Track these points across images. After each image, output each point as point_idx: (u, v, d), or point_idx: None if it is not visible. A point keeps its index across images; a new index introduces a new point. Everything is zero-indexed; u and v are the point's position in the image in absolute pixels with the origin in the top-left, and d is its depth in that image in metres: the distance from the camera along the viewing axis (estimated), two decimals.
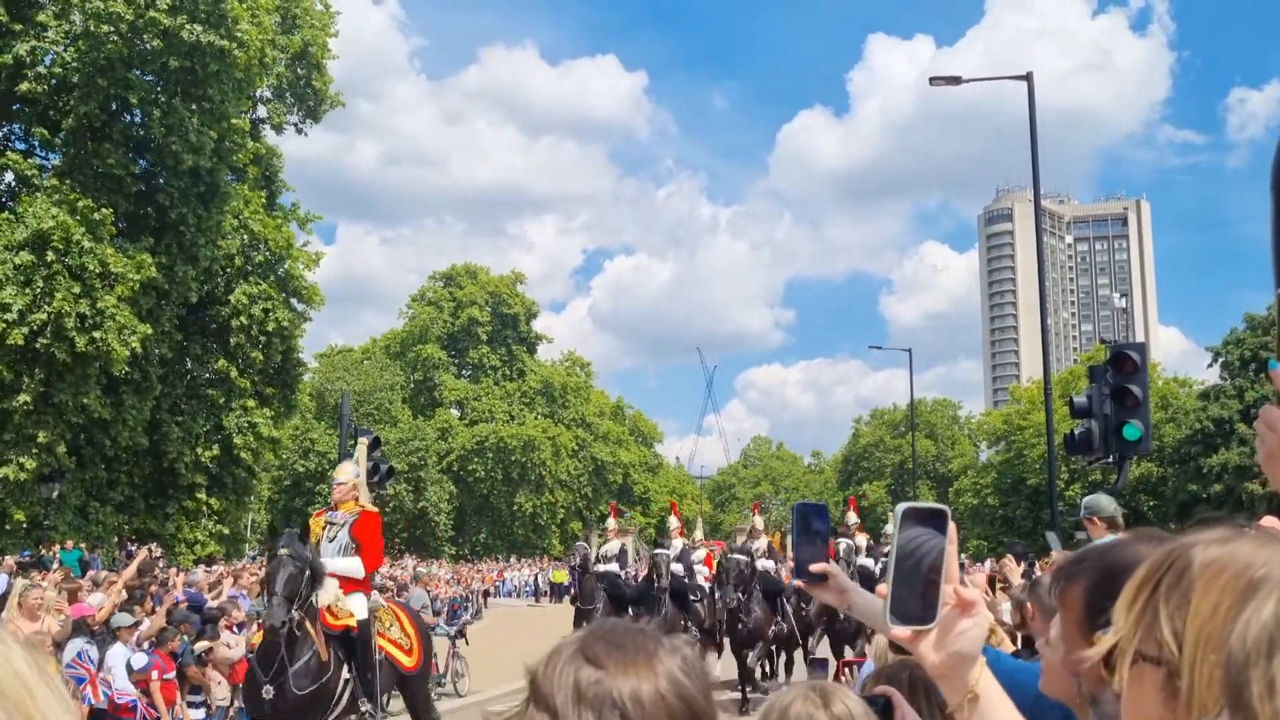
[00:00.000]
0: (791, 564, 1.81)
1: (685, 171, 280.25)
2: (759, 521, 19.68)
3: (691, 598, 16.89)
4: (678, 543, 18.11)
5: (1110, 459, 12.82)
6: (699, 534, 20.06)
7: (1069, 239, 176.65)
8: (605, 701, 1.09)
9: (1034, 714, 1.93)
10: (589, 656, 1.12)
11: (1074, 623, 1.61)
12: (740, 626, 15.86)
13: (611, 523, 19.54)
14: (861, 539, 19.18)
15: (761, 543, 18.46)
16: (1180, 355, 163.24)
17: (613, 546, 18.41)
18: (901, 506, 1.39)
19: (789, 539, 18.05)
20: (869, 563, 18.29)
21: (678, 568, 17.31)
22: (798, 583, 1.90)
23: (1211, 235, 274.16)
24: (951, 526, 1.38)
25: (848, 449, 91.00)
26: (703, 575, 18.01)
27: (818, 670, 3.51)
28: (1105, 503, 7.19)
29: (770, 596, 16.80)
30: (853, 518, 19.98)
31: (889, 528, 20.62)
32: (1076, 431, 12.82)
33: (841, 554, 17.27)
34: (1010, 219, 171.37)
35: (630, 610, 16.29)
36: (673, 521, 19.05)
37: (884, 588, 1.37)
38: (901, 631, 1.37)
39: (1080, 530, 9.77)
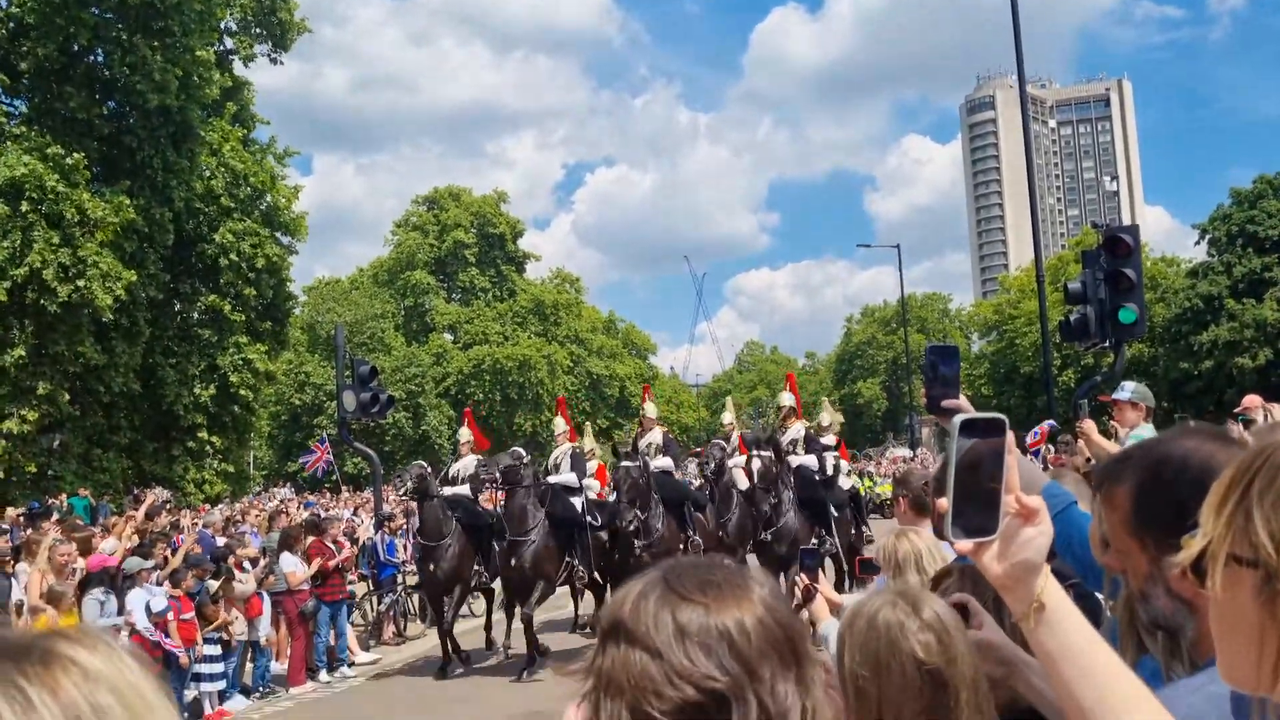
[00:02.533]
0: (925, 399, 1.91)
1: (660, 80, 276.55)
2: (650, 409, 15.47)
3: (591, 521, 13.34)
4: (564, 448, 14.35)
5: (1106, 343, 12.89)
6: (589, 441, 16.02)
7: (1052, 123, 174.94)
8: (711, 634, 1.10)
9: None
10: (682, 594, 1.14)
11: (1119, 522, 1.61)
12: (639, 552, 12.54)
13: (465, 433, 15.17)
14: (799, 426, 15.22)
15: (654, 435, 14.77)
16: (1165, 234, 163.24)
17: (466, 464, 14.55)
18: (958, 418, 1.38)
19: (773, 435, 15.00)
20: (809, 462, 14.49)
21: (568, 478, 13.71)
22: (929, 415, 1.97)
23: (1195, 111, 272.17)
24: (1010, 435, 1.37)
25: (840, 348, 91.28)
26: (594, 491, 14.23)
27: (808, 560, 3.48)
28: (1143, 391, 7.35)
29: (674, 506, 13.54)
30: (787, 398, 15.58)
31: (824, 417, 17.47)
32: (1072, 318, 12.86)
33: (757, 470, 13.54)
34: (992, 106, 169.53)
35: (496, 546, 13.35)
36: (559, 424, 14.90)
37: (944, 501, 1.36)
38: (964, 544, 1.37)
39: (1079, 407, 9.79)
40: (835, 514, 14.47)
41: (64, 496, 22.02)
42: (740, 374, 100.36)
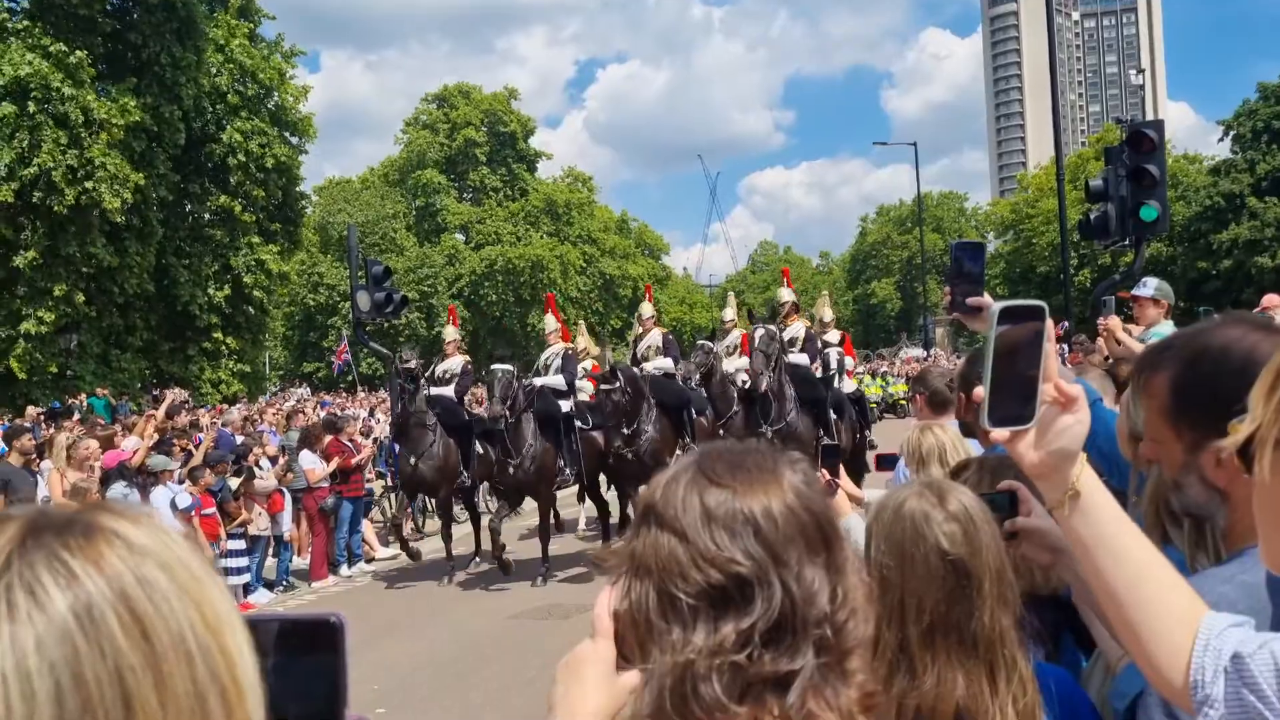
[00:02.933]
0: (948, 299, 1.90)
1: None
2: (646, 310, 14.58)
3: (581, 425, 12.82)
4: (556, 347, 13.81)
5: (1127, 241, 12.74)
6: (583, 340, 15.38)
7: (1075, 15, 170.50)
8: (737, 519, 1.11)
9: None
10: (712, 478, 1.14)
11: (1157, 411, 1.59)
12: (629, 459, 12.06)
13: (450, 332, 14.64)
14: (800, 325, 14.27)
15: (653, 337, 14.15)
16: (1188, 131, 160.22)
17: (453, 364, 14.06)
18: (996, 305, 1.35)
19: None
20: (802, 359, 13.67)
21: (555, 380, 13.15)
22: (955, 314, 1.96)
23: (1224, 3, 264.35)
24: (1049, 323, 1.34)
25: (855, 248, 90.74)
26: (587, 394, 13.64)
27: (830, 456, 3.51)
28: (1167, 288, 7.29)
29: (674, 410, 12.93)
30: (787, 294, 14.73)
31: (825, 312, 16.41)
32: (1092, 215, 12.69)
33: (758, 345, 12.70)
34: None
35: (481, 448, 13.12)
36: (549, 322, 14.30)
37: (981, 390, 1.34)
38: (1000, 433, 1.35)
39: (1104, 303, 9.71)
40: (835, 415, 13.57)
41: (84, 396, 22.27)
42: (754, 274, 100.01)
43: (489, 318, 64.48)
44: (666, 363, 13.87)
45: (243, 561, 12.15)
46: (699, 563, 1.09)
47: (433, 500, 13.84)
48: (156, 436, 12.54)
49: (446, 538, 13.34)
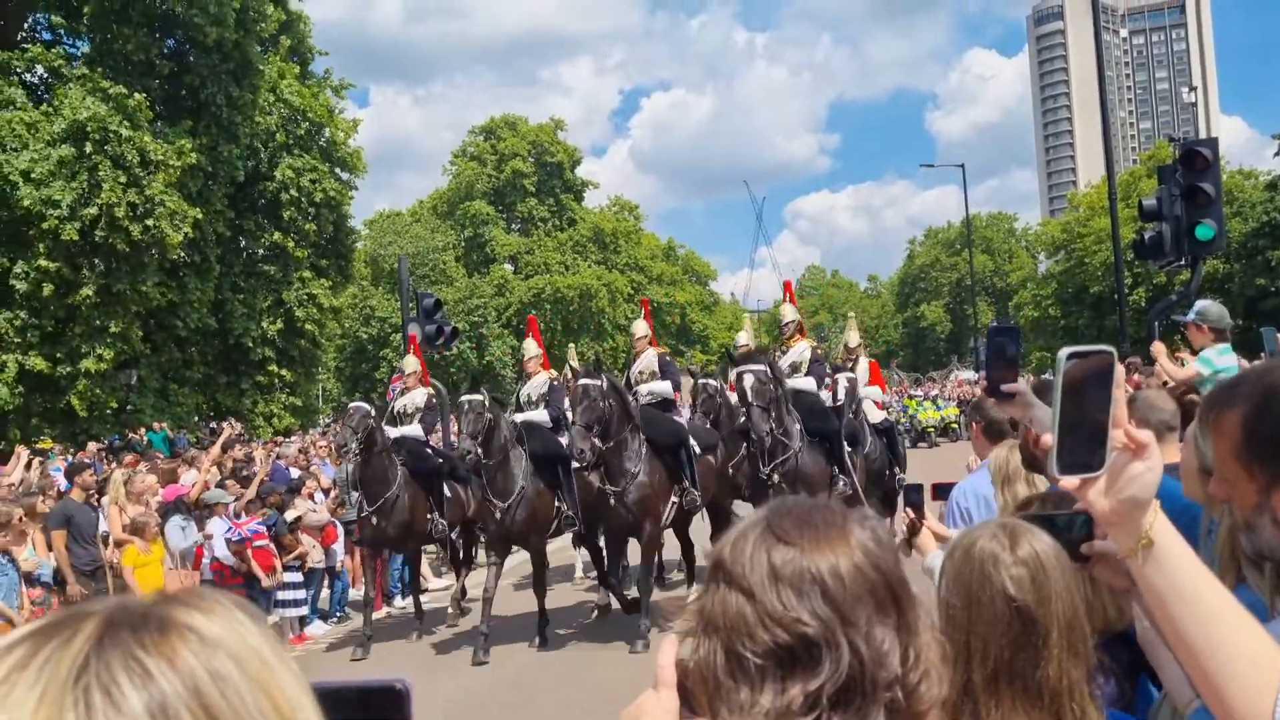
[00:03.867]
0: (985, 385, 1.90)
1: None
2: (639, 328, 12.33)
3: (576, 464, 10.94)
4: (540, 378, 12.00)
5: (1182, 261, 12.54)
6: (574, 366, 12.85)
7: (1124, 33, 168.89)
8: (804, 578, 1.09)
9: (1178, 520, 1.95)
10: (779, 535, 1.13)
11: (1228, 450, 1.55)
12: (612, 501, 10.32)
13: (411, 362, 12.98)
14: (804, 346, 12.09)
15: (648, 359, 12.03)
16: (1243, 145, 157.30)
17: (415, 397, 12.57)
18: (1064, 351, 1.33)
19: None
20: (808, 384, 11.58)
21: (539, 415, 11.49)
22: (992, 399, 1.95)
23: (1276, 14, 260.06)
24: (1119, 367, 1.32)
25: (903, 271, 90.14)
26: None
27: (913, 495, 3.48)
28: (1215, 311, 7.00)
29: (667, 451, 10.85)
30: (790, 312, 12.49)
31: (851, 335, 14.29)
32: (1147, 235, 12.51)
33: (752, 398, 10.43)
34: (1061, 16, 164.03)
35: (449, 487, 12.10)
36: (530, 346, 12.41)
37: (1049, 438, 1.31)
38: (1070, 481, 1.32)
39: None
40: (850, 449, 11.57)
41: (143, 431, 22.66)
42: (801, 299, 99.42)
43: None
44: (663, 387, 11.79)
45: (299, 594, 12.24)
46: (766, 622, 1.08)
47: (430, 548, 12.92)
48: (217, 472, 12.75)
49: (419, 592, 12.85)
